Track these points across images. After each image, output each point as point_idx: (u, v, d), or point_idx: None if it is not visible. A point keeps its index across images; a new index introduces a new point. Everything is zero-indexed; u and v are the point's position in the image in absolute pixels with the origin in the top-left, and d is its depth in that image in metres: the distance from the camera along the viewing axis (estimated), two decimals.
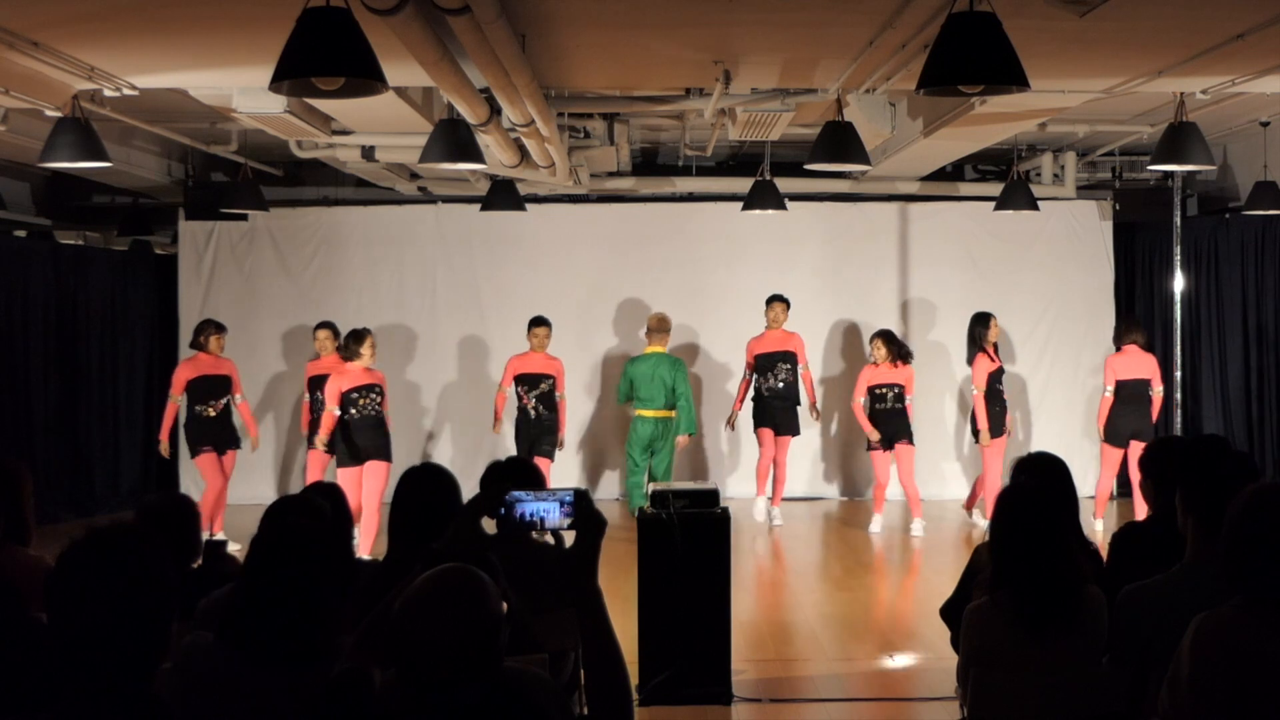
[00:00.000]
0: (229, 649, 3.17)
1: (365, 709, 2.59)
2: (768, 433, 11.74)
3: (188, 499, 4.82)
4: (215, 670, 3.14)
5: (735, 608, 6.78)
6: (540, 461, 11.14)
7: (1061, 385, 13.38)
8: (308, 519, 4.10)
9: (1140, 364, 11.09)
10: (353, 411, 9.93)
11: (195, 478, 12.98)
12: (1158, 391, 11.11)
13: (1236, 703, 3.13)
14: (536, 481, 5.05)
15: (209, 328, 10.86)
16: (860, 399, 11.54)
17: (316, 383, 10.79)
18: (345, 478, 9.87)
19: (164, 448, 10.96)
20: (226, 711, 3.10)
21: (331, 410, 9.91)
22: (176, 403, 10.79)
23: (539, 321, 11.54)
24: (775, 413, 11.71)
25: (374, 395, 10.04)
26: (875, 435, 11.44)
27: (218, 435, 10.75)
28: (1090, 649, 4.05)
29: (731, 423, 12.08)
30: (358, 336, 10.04)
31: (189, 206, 13.30)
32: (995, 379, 11.33)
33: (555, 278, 13.36)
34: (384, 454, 10.02)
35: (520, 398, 11.45)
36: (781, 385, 11.70)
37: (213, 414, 10.72)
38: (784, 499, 12.07)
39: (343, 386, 9.92)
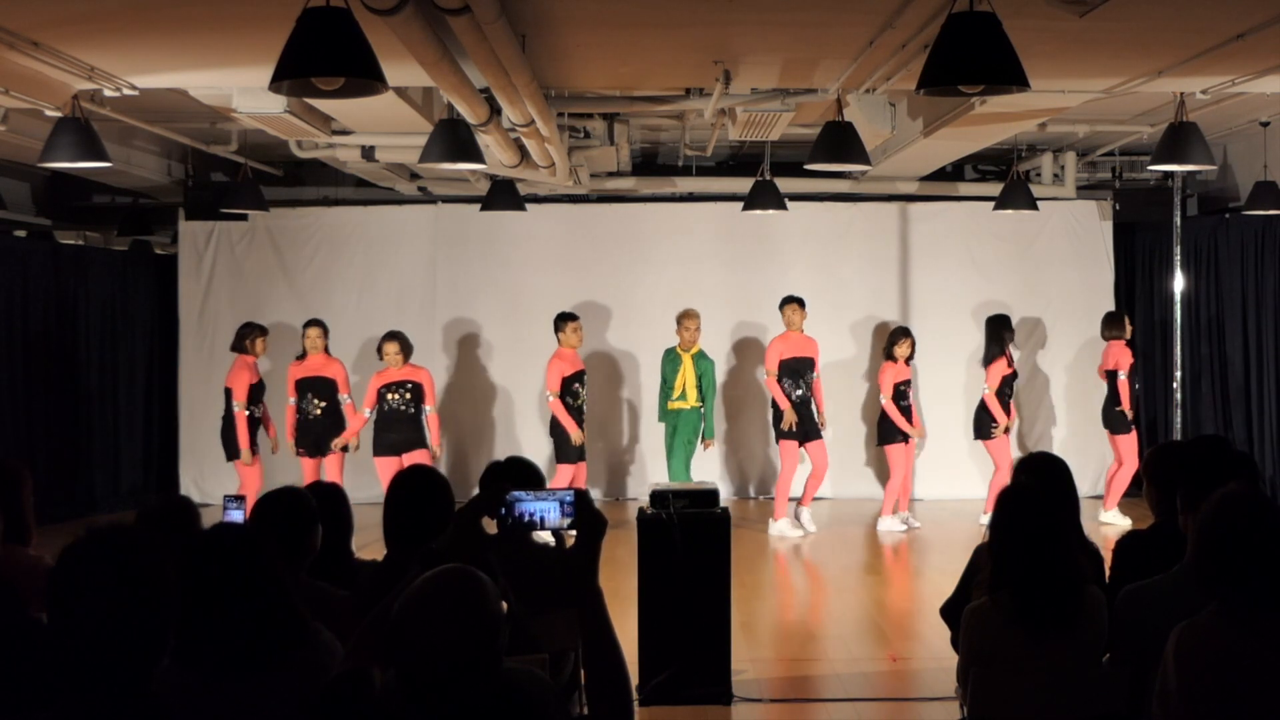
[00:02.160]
0: (185, 668, 3.12)
1: (365, 709, 2.59)
2: (793, 445, 11.31)
3: (188, 501, 4.82)
4: (177, 693, 3.08)
5: (735, 608, 6.78)
6: (581, 467, 11.16)
7: (1062, 385, 13.38)
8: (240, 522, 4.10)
9: (1108, 354, 11.68)
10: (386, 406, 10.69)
11: (196, 478, 13.02)
12: (1121, 379, 11.53)
13: (1228, 709, 3.14)
14: (536, 481, 5.05)
15: (254, 330, 11.02)
16: (887, 396, 11.45)
17: (306, 385, 10.80)
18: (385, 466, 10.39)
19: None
20: (192, 711, 3.05)
21: (362, 412, 10.71)
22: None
23: (572, 316, 11.29)
24: (803, 421, 11.27)
25: (406, 391, 10.68)
26: (917, 432, 11.67)
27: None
28: (1090, 649, 4.05)
29: (790, 426, 11.25)
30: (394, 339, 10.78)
31: (189, 206, 13.31)
32: (1009, 382, 11.57)
33: (555, 278, 13.35)
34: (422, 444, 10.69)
35: (578, 397, 11.11)
36: (806, 392, 11.34)
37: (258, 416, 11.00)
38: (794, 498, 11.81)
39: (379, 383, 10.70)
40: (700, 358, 11.41)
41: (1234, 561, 3.24)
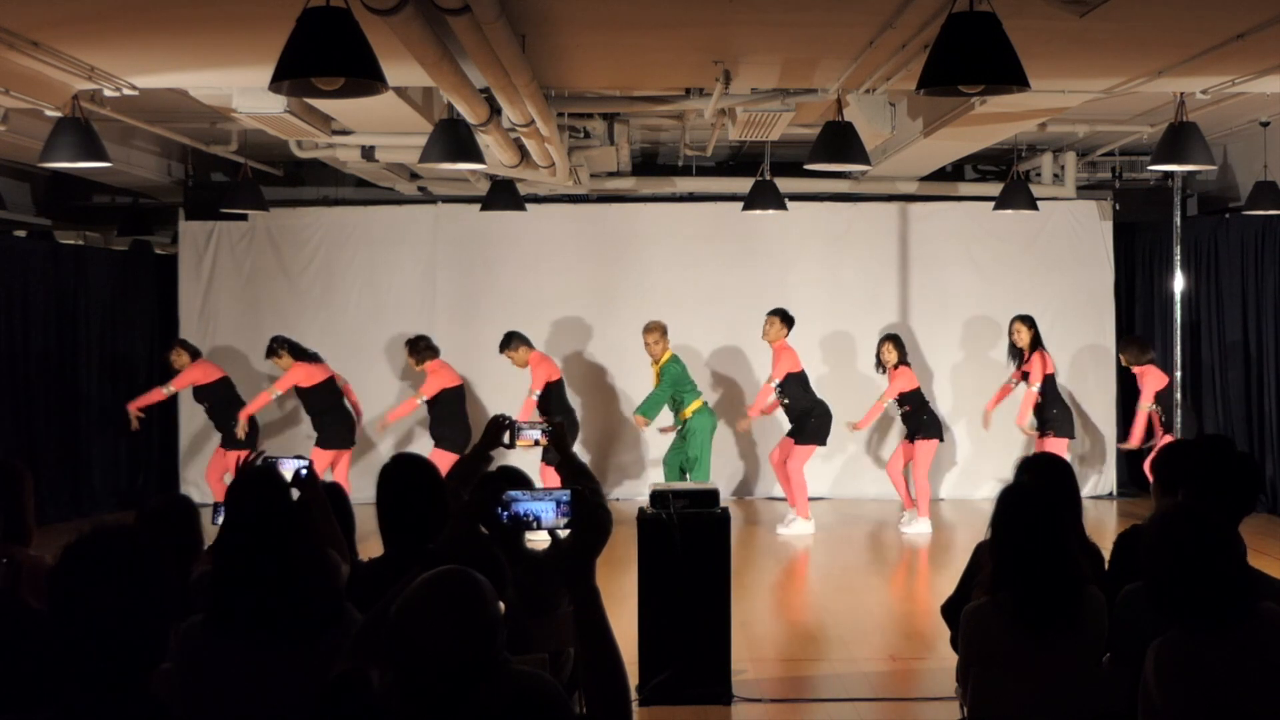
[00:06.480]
0: (216, 628, 3.17)
1: (364, 710, 2.59)
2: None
3: (188, 500, 4.82)
4: (206, 650, 3.14)
5: (735, 608, 6.78)
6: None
7: (1062, 385, 13.36)
8: (273, 490, 4.11)
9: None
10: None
11: (195, 478, 13.01)
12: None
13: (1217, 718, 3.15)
14: (527, 487, 5.05)
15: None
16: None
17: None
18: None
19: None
20: (223, 691, 3.10)
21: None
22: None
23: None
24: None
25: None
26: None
27: None
28: (1090, 649, 4.05)
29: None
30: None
31: (189, 206, 13.30)
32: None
33: (555, 278, 13.35)
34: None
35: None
36: (786, 403, 11.51)
37: None
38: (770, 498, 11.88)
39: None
40: (669, 365, 11.38)
41: (1185, 583, 3.25)
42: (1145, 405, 11.40)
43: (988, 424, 11.83)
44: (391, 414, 11.86)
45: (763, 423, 13.14)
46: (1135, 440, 11.46)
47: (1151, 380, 11.41)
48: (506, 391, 13.00)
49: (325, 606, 3.26)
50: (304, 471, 4.74)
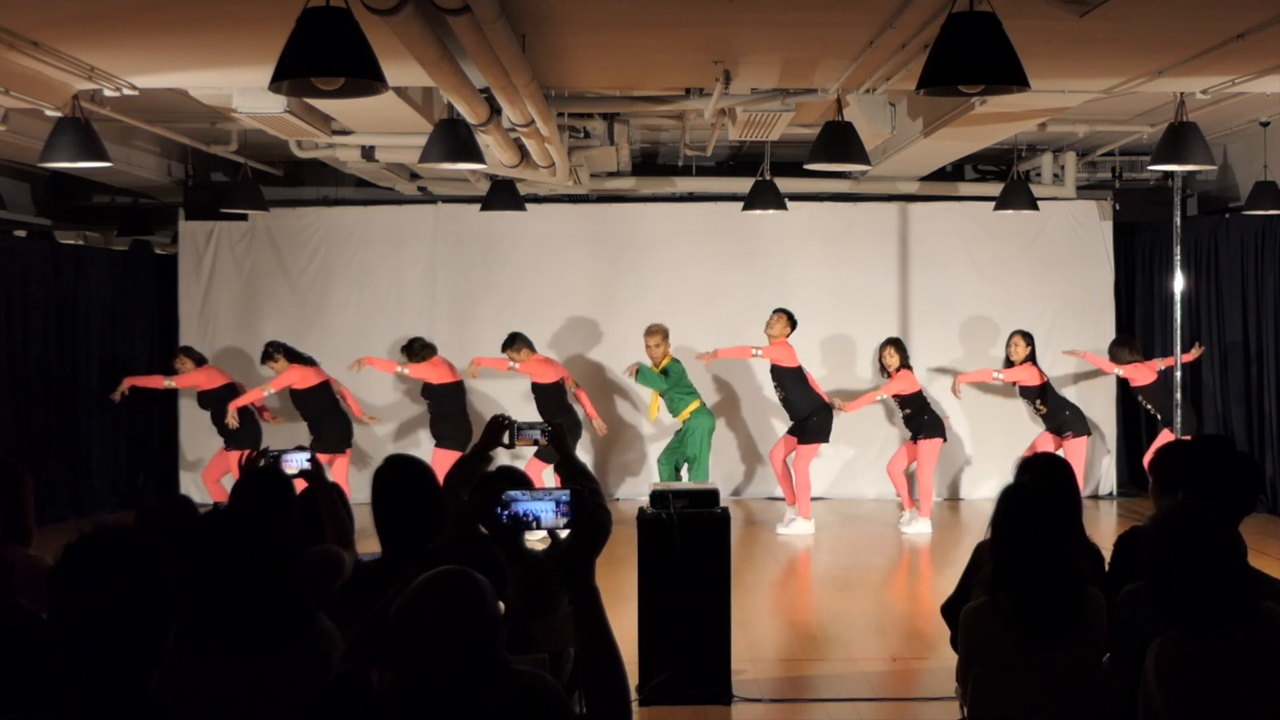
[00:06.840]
0: (188, 650, 3.13)
1: (364, 710, 2.59)
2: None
3: (188, 501, 4.81)
4: (180, 673, 3.10)
5: (735, 608, 6.78)
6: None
7: (1062, 385, 13.36)
8: (276, 490, 4.09)
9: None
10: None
11: (195, 478, 13.02)
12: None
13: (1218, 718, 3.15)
14: (526, 487, 5.05)
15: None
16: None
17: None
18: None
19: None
20: (192, 697, 3.08)
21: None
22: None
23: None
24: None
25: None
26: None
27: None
28: (1090, 649, 4.05)
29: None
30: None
31: (189, 206, 13.31)
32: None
33: (555, 278, 13.36)
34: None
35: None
36: (783, 397, 11.62)
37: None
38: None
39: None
40: (670, 367, 11.41)
41: (1184, 586, 3.25)
42: (1112, 368, 12.09)
43: (956, 391, 12.02)
44: (372, 359, 11.88)
45: (762, 422, 13.18)
46: (1077, 354, 12.51)
47: (1129, 372, 11.86)
48: (506, 391, 13.03)
49: (292, 617, 3.23)
50: (308, 463, 4.76)
